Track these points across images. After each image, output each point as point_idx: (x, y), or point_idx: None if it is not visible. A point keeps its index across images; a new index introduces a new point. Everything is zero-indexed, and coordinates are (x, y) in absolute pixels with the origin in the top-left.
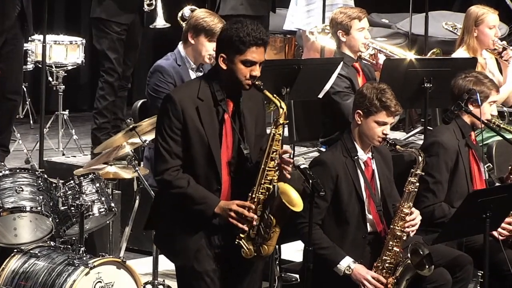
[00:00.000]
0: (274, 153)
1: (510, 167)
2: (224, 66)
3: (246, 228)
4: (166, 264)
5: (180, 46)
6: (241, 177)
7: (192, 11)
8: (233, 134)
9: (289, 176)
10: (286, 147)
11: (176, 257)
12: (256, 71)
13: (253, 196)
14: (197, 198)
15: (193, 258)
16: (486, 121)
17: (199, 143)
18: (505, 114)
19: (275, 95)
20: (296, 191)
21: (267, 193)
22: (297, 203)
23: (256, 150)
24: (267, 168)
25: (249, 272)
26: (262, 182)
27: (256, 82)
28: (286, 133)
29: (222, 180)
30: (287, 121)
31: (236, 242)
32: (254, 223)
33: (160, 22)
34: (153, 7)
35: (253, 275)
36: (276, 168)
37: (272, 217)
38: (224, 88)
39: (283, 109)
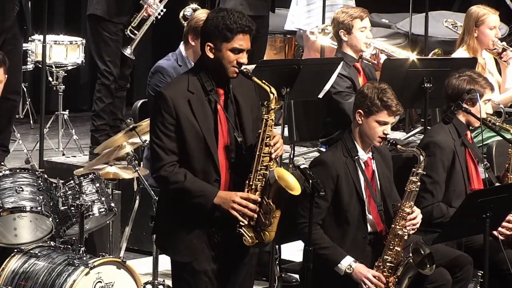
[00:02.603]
0: (268, 138)
1: (506, 165)
2: (211, 55)
3: (246, 222)
4: (166, 264)
5: (182, 47)
6: (240, 164)
7: (194, 10)
8: (227, 122)
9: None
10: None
11: (176, 253)
12: (243, 58)
13: (250, 183)
14: (195, 190)
15: (193, 257)
16: (486, 121)
17: (194, 136)
18: (502, 111)
19: (263, 81)
20: (292, 175)
21: (264, 179)
22: (294, 186)
23: (255, 134)
24: (262, 154)
25: (243, 269)
26: (258, 169)
27: (244, 70)
28: (286, 133)
29: (221, 170)
30: (279, 106)
31: (237, 231)
32: (255, 215)
33: (128, 52)
34: (135, 36)
35: (247, 272)
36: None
37: (271, 203)
38: (212, 78)
39: (273, 94)
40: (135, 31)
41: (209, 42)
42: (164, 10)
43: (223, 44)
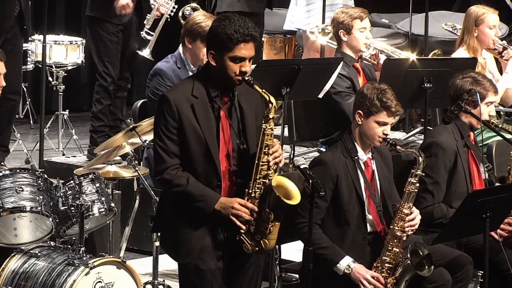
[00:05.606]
0: (267, 147)
1: (509, 167)
2: (214, 63)
3: (244, 228)
4: (166, 264)
5: (181, 48)
6: (242, 171)
7: (194, 9)
8: (230, 129)
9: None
10: (277, 146)
11: (180, 255)
12: (246, 66)
13: (250, 191)
14: (196, 195)
15: (197, 256)
16: (486, 122)
17: (196, 140)
18: (501, 113)
19: (264, 90)
20: (293, 183)
21: (263, 187)
22: (294, 195)
23: (258, 141)
24: (261, 163)
25: (250, 269)
26: (257, 178)
27: (246, 78)
28: (286, 133)
29: (222, 176)
30: (278, 115)
31: (237, 238)
32: (251, 218)
33: (146, 53)
34: (150, 37)
35: (254, 271)
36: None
37: (270, 212)
38: (217, 84)
39: (272, 103)
40: (151, 32)
41: (211, 50)
42: (176, 6)
43: (224, 53)
